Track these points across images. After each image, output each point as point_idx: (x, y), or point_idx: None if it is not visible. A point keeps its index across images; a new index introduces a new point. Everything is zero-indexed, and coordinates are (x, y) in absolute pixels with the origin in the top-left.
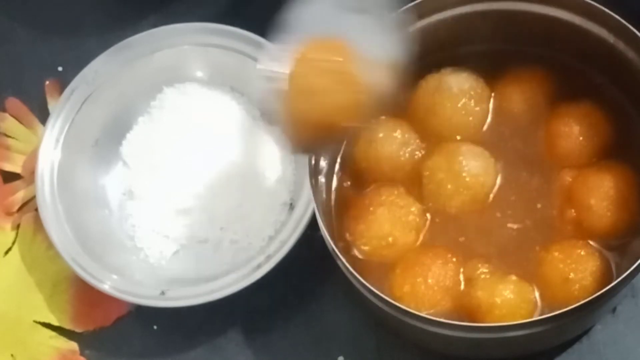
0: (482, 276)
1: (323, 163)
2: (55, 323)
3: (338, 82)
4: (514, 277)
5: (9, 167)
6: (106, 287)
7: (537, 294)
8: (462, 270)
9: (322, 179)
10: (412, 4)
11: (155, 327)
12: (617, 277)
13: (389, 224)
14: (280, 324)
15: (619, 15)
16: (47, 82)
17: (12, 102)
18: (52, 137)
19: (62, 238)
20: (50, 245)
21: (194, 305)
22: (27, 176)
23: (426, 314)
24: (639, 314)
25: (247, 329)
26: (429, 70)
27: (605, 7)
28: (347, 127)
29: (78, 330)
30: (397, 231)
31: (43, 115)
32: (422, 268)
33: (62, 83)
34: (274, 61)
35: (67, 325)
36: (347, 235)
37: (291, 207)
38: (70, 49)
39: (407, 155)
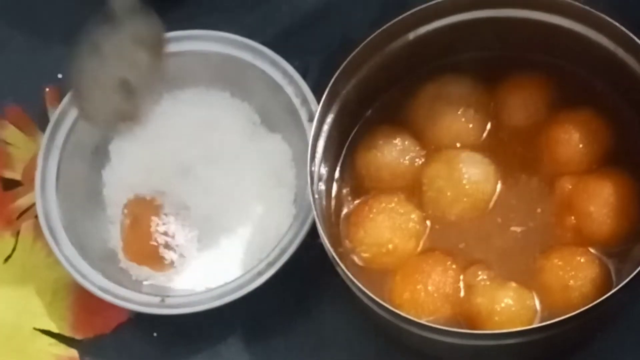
0: (482, 283)
1: (323, 170)
2: (55, 330)
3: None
4: (513, 284)
5: (8, 174)
6: (106, 294)
7: (537, 301)
8: (462, 277)
9: (322, 185)
10: (411, 11)
11: (155, 334)
12: (617, 284)
13: (389, 231)
14: (280, 331)
15: (619, 23)
16: (47, 90)
17: (12, 110)
18: (52, 144)
19: (61, 245)
20: (50, 252)
21: (194, 312)
22: (27, 183)
23: (426, 321)
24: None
25: (247, 335)
26: (429, 78)
27: (606, 14)
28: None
29: (78, 337)
30: (397, 238)
31: (43, 123)
32: (422, 275)
33: (62, 90)
34: None
35: (67, 333)
36: (347, 242)
37: (292, 213)
38: (69, 56)
39: (407, 162)
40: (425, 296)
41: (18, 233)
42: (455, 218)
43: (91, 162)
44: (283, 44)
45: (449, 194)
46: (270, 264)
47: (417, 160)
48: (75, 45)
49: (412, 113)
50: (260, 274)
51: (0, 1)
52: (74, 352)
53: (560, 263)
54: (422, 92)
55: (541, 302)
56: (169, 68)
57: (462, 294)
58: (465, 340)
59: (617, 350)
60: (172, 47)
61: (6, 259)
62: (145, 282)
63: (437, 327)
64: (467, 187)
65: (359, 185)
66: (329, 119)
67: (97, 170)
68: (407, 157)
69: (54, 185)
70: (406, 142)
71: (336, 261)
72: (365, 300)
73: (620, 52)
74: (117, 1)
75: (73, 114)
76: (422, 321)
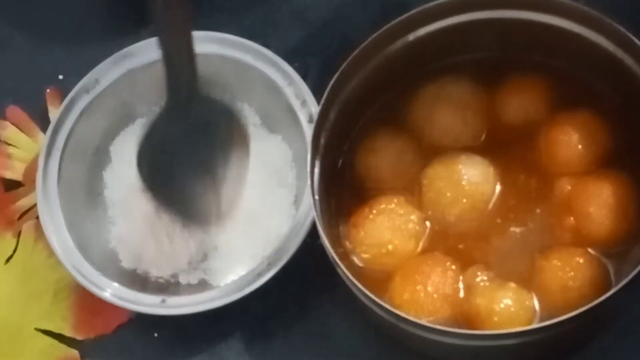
0: (482, 283)
1: (323, 171)
2: (56, 331)
3: None
4: (513, 285)
5: (10, 175)
6: (107, 295)
7: (536, 302)
8: (461, 277)
9: (322, 187)
10: (411, 13)
11: (155, 334)
12: (616, 285)
13: (388, 231)
14: (281, 332)
15: (618, 23)
16: (48, 90)
17: (13, 110)
18: (53, 145)
19: (63, 246)
20: (51, 253)
21: (194, 313)
22: (28, 184)
23: (426, 322)
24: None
25: (248, 336)
26: (429, 79)
27: (605, 15)
28: None
29: (79, 337)
30: (396, 239)
31: (44, 124)
32: (422, 276)
33: (63, 91)
34: None
35: (68, 333)
36: (347, 243)
37: (292, 214)
38: (71, 57)
39: (406, 163)
40: (425, 297)
41: (19, 234)
42: (454, 219)
43: (92, 162)
44: (283, 45)
45: (448, 195)
46: (271, 265)
47: (416, 161)
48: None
49: (412, 114)
50: (260, 274)
51: (1, 1)
52: (75, 353)
53: (559, 263)
54: (422, 93)
55: (540, 302)
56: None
57: (461, 294)
58: (464, 340)
59: (617, 351)
60: None
61: (7, 260)
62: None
63: (437, 327)
64: (466, 188)
65: (358, 186)
66: (329, 120)
67: (98, 171)
68: (406, 158)
69: (55, 186)
70: (406, 144)
71: (336, 262)
72: (365, 301)
73: (620, 53)
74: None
75: (74, 114)
76: (422, 322)
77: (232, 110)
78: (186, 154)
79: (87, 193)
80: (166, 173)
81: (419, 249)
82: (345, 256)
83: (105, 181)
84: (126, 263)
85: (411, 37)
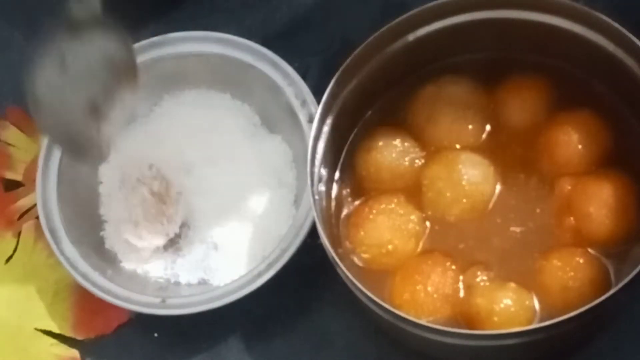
0: (482, 283)
1: (323, 171)
2: (56, 331)
3: None
4: (513, 285)
5: (10, 175)
6: (107, 295)
7: (536, 302)
8: (461, 277)
9: (322, 187)
10: (411, 13)
11: (155, 334)
12: (616, 285)
13: (388, 231)
14: (281, 332)
15: (618, 23)
16: None
17: (13, 111)
18: (53, 145)
19: (62, 246)
20: (51, 253)
21: (194, 313)
22: (28, 184)
23: (426, 322)
24: (639, 322)
25: (248, 336)
26: (429, 79)
27: (605, 15)
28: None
29: (79, 337)
30: (396, 239)
31: None
32: (422, 276)
33: None
34: None
35: (68, 333)
36: (347, 243)
37: (292, 214)
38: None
39: (406, 163)
40: (425, 297)
41: (19, 234)
42: (454, 219)
43: (91, 162)
44: (283, 45)
45: (448, 195)
46: (271, 265)
47: (416, 161)
48: (37, 49)
49: (411, 114)
50: (260, 274)
51: (2, 2)
52: (75, 353)
53: (559, 264)
54: (421, 93)
55: (540, 302)
56: (170, 69)
57: (461, 294)
58: (464, 340)
59: (617, 351)
60: (172, 49)
61: (7, 260)
62: (144, 283)
63: (437, 327)
64: (466, 188)
65: (359, 186)
66: (329, 120)
67: (97, 171)
68: (406, 158)
69: (55, 186)
70: (406, 144)
71: (336, 262)
72: (365, 301)
73: (620, 53)
74: (78, 7)
75: None
76: (422, 322)
77: (128, 45)
78: (73, 82)
79: (87, 193)
80: (55, 87)
81: (419, 249)
82: (345, 256)
83: (100, 179)
84: (125, 263)
85: (411, 37)
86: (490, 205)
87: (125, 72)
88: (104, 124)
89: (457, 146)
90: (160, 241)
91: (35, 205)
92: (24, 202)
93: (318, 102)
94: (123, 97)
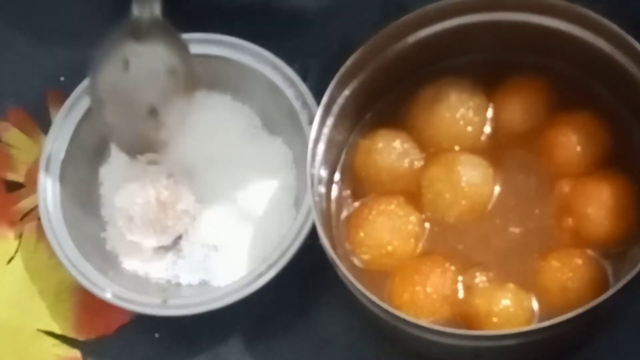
0: (481, 284)
1: (323, 172)
2: (58, 331)
3: None
4: (512, 286)
5: (11, 177)
6: (108, 295)
7: (535, 302)
8: (460, 278)
9: (322, 188)
10: (411, 14)
11: (157, 335)
12: (615, 285)
13: (388, 232)
14: (281, 332)
15: (617, 25)
16: (49, 92)
17: (15, 112)
18: (55, 147)
19: (64, 247)
20: (52, 254)
21: (195, 314)
22: (29, 185)
23: (425, 323)
24: (639, 323)
25: (248, 337)
26: (428, 81)
27: (604, 16)
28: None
29: (80, 338)
30: (396, 240)
31: (45, 125)
32: (421, 277)
33: (64, 93)
34: None
35: (70, 334)
36: (347, 244)
37: (292, 215)
38: (72, 59)
39: (406, 165)
40: (424, 297)
41: (21, 235)
42: (454, 220)
43: (93, 164)
44: (283, 47)
45: (447, 196)
46: (271, 266)
47: (416, 162)
48: (99, 51)
49: (411, 116)
50: (260, 275)
51: (3, 3)
52: (76, 353)
53: (558, 264)
54: (421, 95)
55: (539, 303)
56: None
57: (460, 295)
58: (463, 341)
59: (615, 351)
60: None
61: (9, 261)
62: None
63: (436, 328)
64: (465, 189)
65: (358, 187)
66: (329, 121)
67: (98, 172)
68: (406, 160)
69: (57, 187)
70: (405, 145)
71: (336, 263)
72: (365, 302)
73: (618, 55)
74: (140, 11)
75: (75, 116)
76: (421, 322)
77: (189, 56)
78: (135, 83)
79: (88, 194)
80: (118, 90)
81: (418, 250)
82: (345, 257)
83: (101, 180)
84: (126, 264)
85: (410, 39)
86: (490, 207)
87: (184, 81)
88: (160, 126)
89: (457, 148)
90: (150, 242)
91: (37, 206)
92: (25, 204)
93: (318, 104)
94: (180, 104)
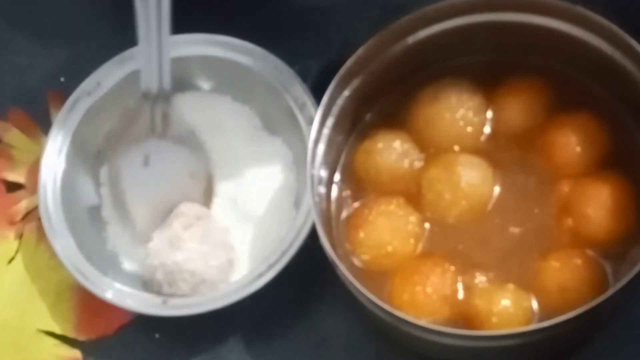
0: (480, 285)
1: (323, 173)
2: (58, 331)
3: None
4: (511, 286)
5: (12, 177)
6: (108, 295)
7: (534, 303)
8: (460, 278)
9: (322, 188)
10: (410, 15)
11: (157, 335)
12: (614, 286)
13: (388, 233)
14: (281, 333)
15: (617, 26)
16: (50, 93)
17: (15, 113)
18: (55, 147)
19: (64, 247)
20: (53, 254)
21: (195, 314)
22: (30, 186)
23: (425, 323)
24: (638, 323)
25: (249, 337)
26: (428, 81)
27: (604, 17)
28: None
29: (81, 338)
30: (396, 240)
31: (46, 126)
32: (421, 277)
33: (65, 94)
34: None
35: (70, 334)
36: (347, 244)
37: (292, 216)
38: (72, 60)
39: (406, 165)
40: (424, 298)
41: (21, 235)
42: (453, 220)
43: (93, 164)
44: (283, 48)
45: (447, 196)
46: (271, 266)
47: (416, 163)
48: (120, 141)
49: (411, 116)
50: (261, 275)
51: (3, 3)
52: (77, 353)
53: (557, 265)
54: (421, 95)
55: (539, 303)
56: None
57: (460, 295)
58: (463, 341)
59: (615, 351)
60: (173, 52)
61: (10, 261)
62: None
63: (436, 328)
64: (465, 189)
65: (358, 188)
66: (329, 122)
67: (98, 172)
68: (406, 160)
69: (57, 188)
70: (405, 146)
71: (336, 263)
72: (365, 302)
73: (618, 56)
74: (154, 109)
75: (76, 117)
76: (421, 322)
77: (207, 166)
78: (153, 177)
79: (88, 195)
80: (141, 186)
81: (418, 251)
82: (345, 257)
83: (102, 180)
84: (126, 264)
85: (410, 39)
86: (489, 207)
87: (199, 187)
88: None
89: (456, 148)
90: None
91: (37, 206)
92: (26, 204)
93: (318, 104)
94: (196, 203)
